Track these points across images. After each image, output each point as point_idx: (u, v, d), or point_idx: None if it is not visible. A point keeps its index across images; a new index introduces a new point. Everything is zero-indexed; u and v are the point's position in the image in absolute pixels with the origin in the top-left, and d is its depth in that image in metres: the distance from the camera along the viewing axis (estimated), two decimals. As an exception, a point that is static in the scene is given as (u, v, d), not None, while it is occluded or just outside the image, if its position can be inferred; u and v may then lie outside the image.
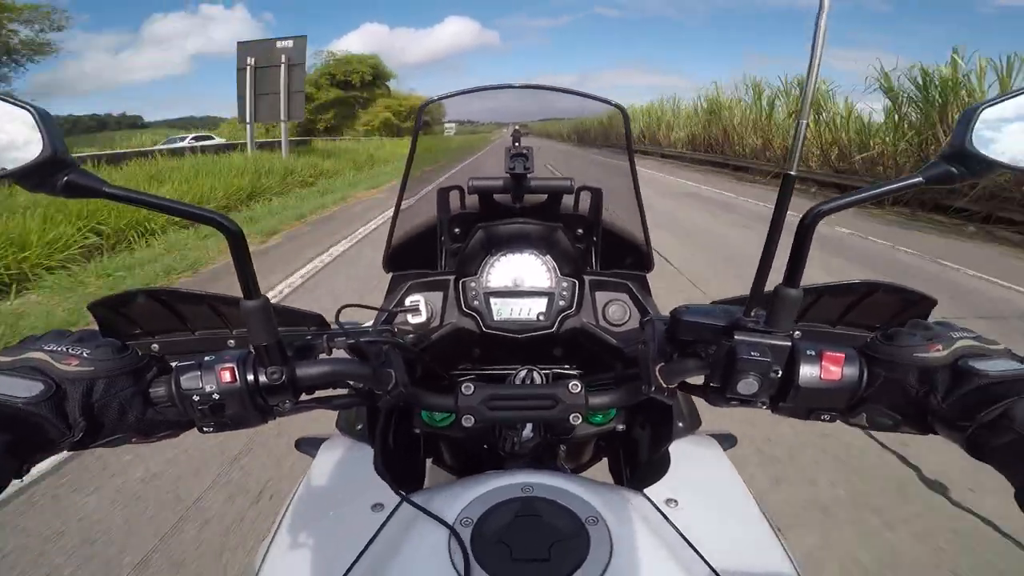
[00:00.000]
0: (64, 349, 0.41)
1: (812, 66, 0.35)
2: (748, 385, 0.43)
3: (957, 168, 0.39)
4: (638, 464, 0.75)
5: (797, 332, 0.44)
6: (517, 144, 0.74)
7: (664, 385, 0.51)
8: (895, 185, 0.40)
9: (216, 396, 0.43)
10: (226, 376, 0.43)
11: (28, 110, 0.35)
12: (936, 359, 0.42)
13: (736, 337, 0.43)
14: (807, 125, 0.38)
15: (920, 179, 0.40)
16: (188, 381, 0.43)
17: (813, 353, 0.44)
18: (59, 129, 0.35)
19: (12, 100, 0.36)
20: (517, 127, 0.91)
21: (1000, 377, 0.38)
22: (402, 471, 0.55)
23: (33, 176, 0.35)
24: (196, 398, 0.43)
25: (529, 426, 0.68)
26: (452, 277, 0.75)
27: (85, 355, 0.41)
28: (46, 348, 0.40)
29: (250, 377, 0.44)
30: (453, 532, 0.44)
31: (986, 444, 0.37)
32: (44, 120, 0.35)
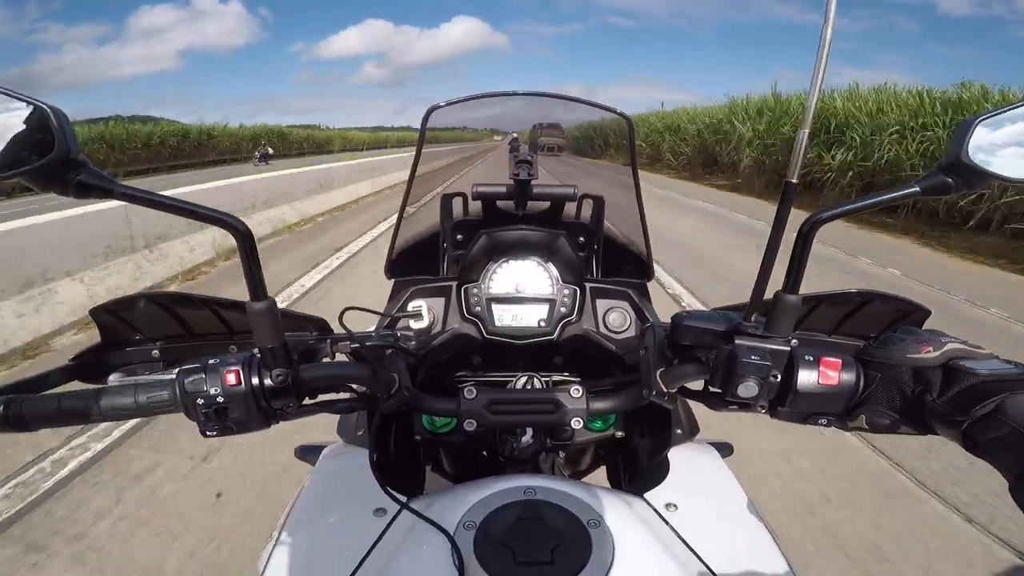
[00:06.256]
0: None
1: (816, 76, 0.36)
2: (748, 388, 0.43)
3: (953, 179, 0.40)
4: (637, 471, 0.75)
5: (795, 340, 0.45)
6: (516, 153, 0.75)
7: (664, 390, 0.52)
8: (892, 195, 0.41)
9: (220, 399, 0.43)
10: (231, 379, 0.43)
11: (43, 108, 0.35)
12: (928, 359, 0.43)
13: (736, 341, 0.44)
14: (808, 134, 0.39)
15: (916, 189, 0.41)
16: (192, 384, 0.42)
17: (811, 359, 0.45)
18: (72, 128, 0.35)
19: (26, 98, 0.35)
20: (516, 135, 0.92)
21: (991, 376, 0.39)
22: (403, 477, 0.55)
23: (46, 175, 0.35)
24: (200, 401, 0.42)
25: (529, 432, 0.68)
26: (454, 283, 0.76)
27: None
28: None
29: (255, 380, 0.43)
30: (450, 538, 0.44)
31: (981, 438, 0.38)
32: (58, 118, 0.35)
